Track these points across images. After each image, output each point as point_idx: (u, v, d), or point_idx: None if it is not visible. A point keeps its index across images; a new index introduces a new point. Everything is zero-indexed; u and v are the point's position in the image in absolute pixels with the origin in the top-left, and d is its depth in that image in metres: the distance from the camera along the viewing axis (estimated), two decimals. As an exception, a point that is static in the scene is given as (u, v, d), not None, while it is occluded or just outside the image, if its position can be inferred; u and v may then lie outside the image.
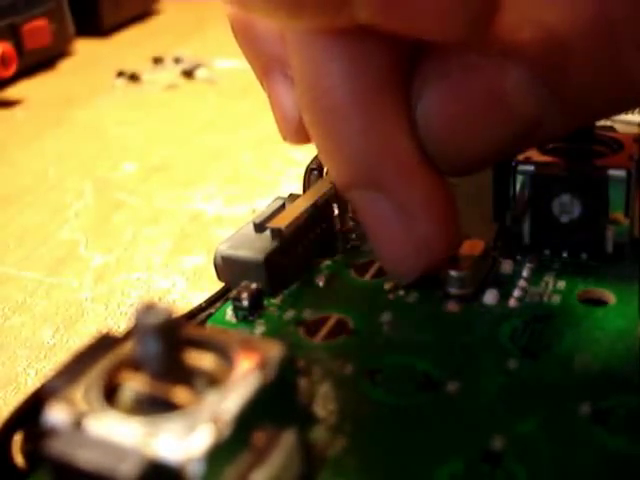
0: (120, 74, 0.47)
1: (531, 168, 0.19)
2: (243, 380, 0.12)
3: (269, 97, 0.19)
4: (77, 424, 0.11)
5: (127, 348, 0.13)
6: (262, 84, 0.19)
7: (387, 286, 0.18)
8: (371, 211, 0.16)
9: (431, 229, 0.16)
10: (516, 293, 0.18)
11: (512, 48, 0.14)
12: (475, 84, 0.15)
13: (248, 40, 0.19)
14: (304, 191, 0.21)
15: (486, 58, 0.15)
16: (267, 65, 0.19)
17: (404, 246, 0.16)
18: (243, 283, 0.18)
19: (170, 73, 0.47)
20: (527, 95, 0.15)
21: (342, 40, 0.15)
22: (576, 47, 0.14)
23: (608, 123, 0.24)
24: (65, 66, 0.51)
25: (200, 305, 0.19)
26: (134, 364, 0.12)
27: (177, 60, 0.49)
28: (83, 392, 0.12)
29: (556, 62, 0.14)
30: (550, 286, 0.18)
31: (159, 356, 0.12)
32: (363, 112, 0.15)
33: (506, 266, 0.19)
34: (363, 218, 0.17)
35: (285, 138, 0.19)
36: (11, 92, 0.45)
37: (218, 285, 0.19)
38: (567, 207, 0.18)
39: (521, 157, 0.19)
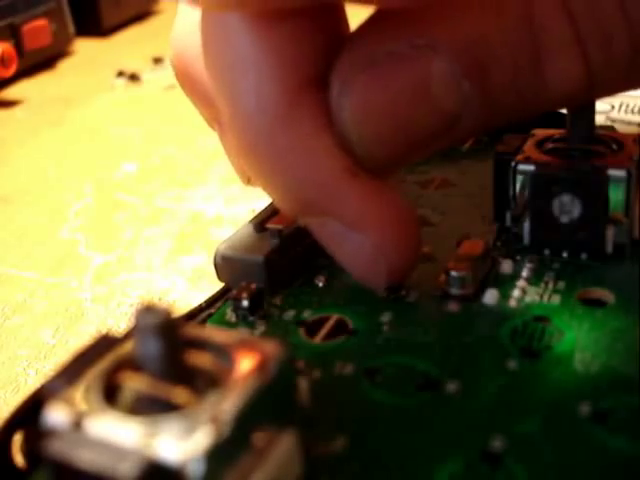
0: (120, 74, 0.47)
1: (531, 168, 0.19)
2: (243, 380, 0.12)
3: (221, 142, 0.19)
4: (77, 424, 0.11)
5: (127, 348, 0.13)
6: (212, 128, 0.19)
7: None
8: (322, 234, 0.17)
9: (379, 239, 0.16)
10: (516, 293, 0.18)
11: (439, 39, 0.15)
12: (402, 74, 0.15)
13: (194, 90, 0.19)
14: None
15: (414, 49, 0.15)
16: (216, 115, 0.19)
17: (361, 259, 0.17)
18: (243, 283, 0.18)
19: (170, 73, 0.47)
20: (450, 88, 0.15)
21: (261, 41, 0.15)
22: (499, 44, 0.15)
23: (608, 123, 0.24)
24: (65, 66, 0.51)
25: (200, 305, 0.18)
26: (134, 364, 0.12)
27: (177, 60, 0.49)
28: (83, 392, 0.12)
29: (479, 57, 0.15)
30: (550, 286, 0.18)
31: (159, 356, 0.12)
32: (285, 132, 0.15)
33: (506, 266, 0.19)
34: (319, 240, 0.17)
35: (246, 182, 0.19)
36: (11, 92, 0.45)
37: (218, 285, 0.19)
38: (567, 207, 0.18)
39: (521, 157, 0.19)
